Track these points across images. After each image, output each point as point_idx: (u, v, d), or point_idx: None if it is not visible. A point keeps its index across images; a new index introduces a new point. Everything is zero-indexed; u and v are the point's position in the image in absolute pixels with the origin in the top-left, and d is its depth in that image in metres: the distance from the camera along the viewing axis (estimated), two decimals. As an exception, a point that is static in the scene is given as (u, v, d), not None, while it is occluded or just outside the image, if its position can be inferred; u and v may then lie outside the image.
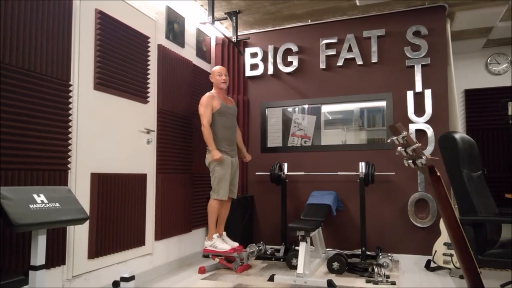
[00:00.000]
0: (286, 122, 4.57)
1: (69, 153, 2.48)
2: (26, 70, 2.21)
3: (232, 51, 4.57)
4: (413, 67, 4.02)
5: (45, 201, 1.93)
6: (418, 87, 3.97)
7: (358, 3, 3.91)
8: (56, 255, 2.36)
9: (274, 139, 4.59)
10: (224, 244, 3.53)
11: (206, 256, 4.03)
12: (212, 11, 3.92)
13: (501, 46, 5.21)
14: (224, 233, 3.69)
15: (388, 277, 3.18)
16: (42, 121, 2.28)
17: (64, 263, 2.43)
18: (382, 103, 4.16)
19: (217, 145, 3.55)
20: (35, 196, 1.91)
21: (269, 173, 4.23)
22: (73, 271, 2.50)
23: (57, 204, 1.98)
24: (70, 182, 2.49)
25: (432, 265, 3.53)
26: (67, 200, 2.06)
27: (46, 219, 1.87)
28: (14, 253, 2.10)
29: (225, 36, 4.33)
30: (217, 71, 3.70)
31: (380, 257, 3.50)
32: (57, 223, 1.94)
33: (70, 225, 2.30)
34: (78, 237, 2.56)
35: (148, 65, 3.29)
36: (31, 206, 1.84)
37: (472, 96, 5.34)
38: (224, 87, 3.68)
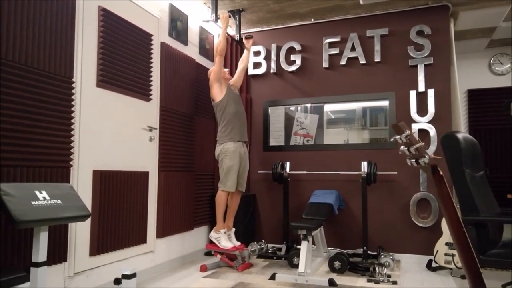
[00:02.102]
0: (289, 121, 4.56)
1: (72, 150, 2.48)
2: (29, 67, 2.22)
3: (235, 49, 4.57)
4: (416, 66, 4.00)
5: (47, 198, 1.93)
6: (421, 87, 3.96)
7: (361, 2, 3.89)
8: (58, 252, 2.36)
9: (277, 137, 4.58)
10: (227, 242, 3.54)
11: (208, 254, 4.04)
12: (215, 9, 3.92)
13: (504, 46, 5.19)
14: (233, 229, 3.69)
15: (389, 276, 3.18)
16: (44, 118, 2.29)
17: (65, 260, 2.43)
18: (385, 103, 4.15)
19: (229, 135, 3.59)
20: (37, 192, 1.91)
21: (271, 171, 4.23)
22: (74, 268, 2.51)
23: (59, 201, 1.98)
24: (72, 179, 2.49)
25: (434, 265, 3.52)
26: (69, 197, 2.06)
27: (48, 216, 1.87)
28: (15, 250, 2.11)
29: (228, 34, 4.32)
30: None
31: (382, 256, 3.50)
32: (59, 220, 1.95)
33: (72, 222, 2.31)
34: (80, 234, 2.56)
35: (151, 62, 3.29)
36: (33, 202, 1.84)
37: (475, 96, 5.32)
38: (229, 77, 3.83)
